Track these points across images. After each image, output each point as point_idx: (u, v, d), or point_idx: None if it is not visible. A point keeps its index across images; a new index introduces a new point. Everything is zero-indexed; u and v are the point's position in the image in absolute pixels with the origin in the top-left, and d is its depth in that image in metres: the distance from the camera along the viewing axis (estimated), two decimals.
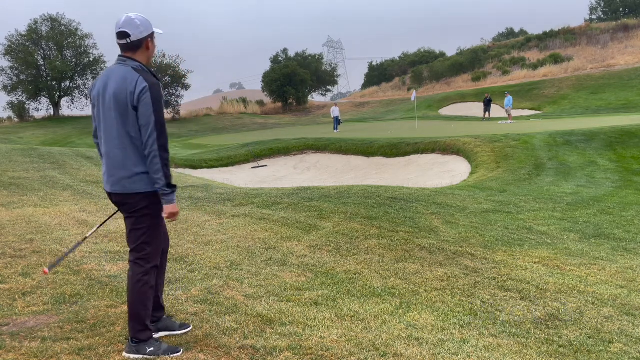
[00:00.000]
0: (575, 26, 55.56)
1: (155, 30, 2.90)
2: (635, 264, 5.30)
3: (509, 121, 25.64)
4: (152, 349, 2.82)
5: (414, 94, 30.87)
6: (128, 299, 2.86)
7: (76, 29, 46.51)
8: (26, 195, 8.11)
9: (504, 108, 27.57)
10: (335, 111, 28.94)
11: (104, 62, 48.11)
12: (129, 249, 2.93)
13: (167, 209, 2.85)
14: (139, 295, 2.83)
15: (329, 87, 61.55)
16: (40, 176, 10.08)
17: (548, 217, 7.68)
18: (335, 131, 27.63)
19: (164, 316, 3.15)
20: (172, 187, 2.83)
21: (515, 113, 33.17)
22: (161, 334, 3.08)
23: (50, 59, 45.25)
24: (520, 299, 4.05)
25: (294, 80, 50.95)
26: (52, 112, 47.10)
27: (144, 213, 2.84)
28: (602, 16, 65.43)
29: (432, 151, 17.47)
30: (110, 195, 2.90)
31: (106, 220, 3.41)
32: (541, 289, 4.30)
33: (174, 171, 15.76)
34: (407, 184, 13.17)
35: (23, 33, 44.95)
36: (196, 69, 57.45)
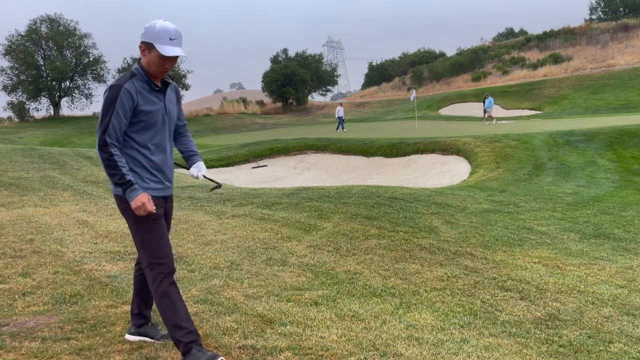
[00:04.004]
0: (575, 26, 55.57)
1: (157, 45, 2.75)
2: (635, 264, 5.30)
3: (488, 122, 25.86)
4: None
5: (413, 94, 30.89)
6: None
7: (74, 29, 46.52)
8: (26, 195, 8.11)
9: (503, 108, 27.61)
10: (339, 111, 28.94)
11: (104, 62, 48.15)
12: (132, 250, 2.94)
13: (131, 205, 2.73)
14: (161, 308, 2.80)
15: (329, 87, 61.55)
16: (40, 176, 10.08)
17: (548, 217, 7.68)
18: (337, 131, 27.64)
19: (150, 323, 3.14)
20: (122, 186, 2.72)
21: (515, 113, 33.22)
22: (138, 338, 3.08)
23: (50, 59, 45.25)
24: (520, 299, 4.04)
25: (294, 80, 50.95)
26: (52, 112, 47.11)
27: (126, 216, 2.85)
28: (602, 16, 65.42)
29: (432, 151, 17.47)
30: None
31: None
32: (541, 289, 4.30)
33: (174, 171, 15.73)
34: (407, 184, 13.18)
35: (23, 33, 44.96)
36: (196, 69, 57.50)
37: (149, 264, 2.80)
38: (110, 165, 2.70)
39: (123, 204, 2.81)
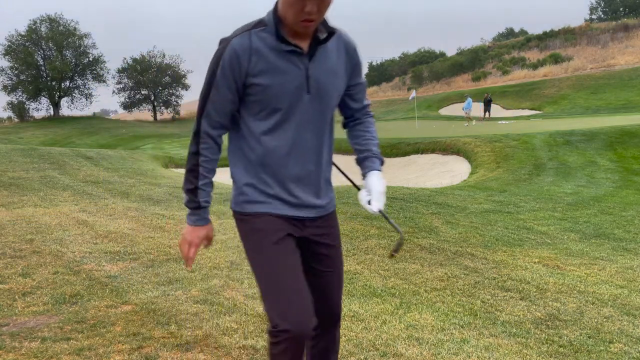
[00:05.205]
0: (575, 26, 55.64)
1: None
2: (635, 264, 5.30)
3: (466, 124, 25.92)
4: None
5: (412, 94, 30.94)
6: None
7: (74, 29, 46.57)
8: (26, 195, 8.11)
9: (503, 108, 27.69)
10: None
11: (104, 62, 48.17)
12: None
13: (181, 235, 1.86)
14: None
15: None
16: (40, 176, 10.08)
17: (548, 217, 7.68)
18: None
19: None
20: (188, 202, 1.83)
21: (515, 113, 33.23)
22: None
23: (50, 59, 45.31)
24: (520, 299, 4.04)
25: None
26: (52, 112, 47.15)
27: (242, 242, 1.92)
28: (602, 16, 65.52)
29: (432, 151, 17.48)
30: None
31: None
32: (541, 289, 4.29)
33: (174, 171, 15.74)
34: (407, 184, 13.18)
35: (23, 33, 45.04)
36: (196, 68, 57.51)
37: (268, 316, 1.78)
38: (190, 168, 1.80)
39: (239, 225, 1.89)
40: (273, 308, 1.74)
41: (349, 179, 2.09)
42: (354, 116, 2.03)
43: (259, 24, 1.74)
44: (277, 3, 1.72)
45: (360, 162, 1.99)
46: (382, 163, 1.96)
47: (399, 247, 1.93)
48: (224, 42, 1.72)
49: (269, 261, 1.78)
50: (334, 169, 2.06)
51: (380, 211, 1.84)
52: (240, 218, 1.87)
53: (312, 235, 1.91)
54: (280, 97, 1.73)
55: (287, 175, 1.81)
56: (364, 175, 1.94)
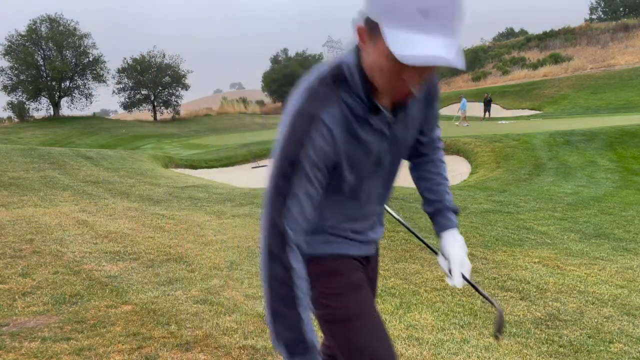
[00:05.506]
0: (575, 26, 55.68)
1: (387, 30, 1.11)
2: (635, 264, 5.30)
3: (465, 124, 25.90)
4: None
5: None
6: None
7: (74, 29, 46.59)
8: (26, 195, 8.11)
9: (503, 108, 27.72)
10: None
11: (104, 62, 48.18)
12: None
13: None
14: None
15: None
16: (40, 176, 10.08)
17: (548, 217, 7.68)
18: None
19: None
20: (296, 349, 1.38)
21: (515, 113, 33.23)
22: None
23: (50, 59, 45.32)
24: (520, 299, 4.04)
25: (294, 80, 50.87)
26: (52, 112, 47.14)
27: (313, 287, 1.46)
28: (602, 16, 65.56)
29: None
30: None
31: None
32: (541, 289, 4.29)
33: (174, 171, 15.74)
34: (407, 184, 13.18)
35: (23, 33, 45.04)
36: (196, 69, 57.57)
37: None
38: (284, 298, 1.33)
39: (313, 265, 1.47)
40: (366, 354, 1.49)
41: (424, 242, 1.85)
42: (420, 151, 1.69)
43: (339, 80, 1.30)
44: (358, 58, 1.27)
45: (432, 215, 1.71)
46: (457, 213, 1.68)
47: (501, 325, 1.62)
48: (309, 115, 1.28)
49: (355, 305, 1.53)
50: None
51: (465, 279, 1.55)
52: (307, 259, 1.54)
53: (370, 271, 1.70)
54: (361, 169, 1.44)
55: (356, 222, 1.60)
56: (437, 234, 1.67)
